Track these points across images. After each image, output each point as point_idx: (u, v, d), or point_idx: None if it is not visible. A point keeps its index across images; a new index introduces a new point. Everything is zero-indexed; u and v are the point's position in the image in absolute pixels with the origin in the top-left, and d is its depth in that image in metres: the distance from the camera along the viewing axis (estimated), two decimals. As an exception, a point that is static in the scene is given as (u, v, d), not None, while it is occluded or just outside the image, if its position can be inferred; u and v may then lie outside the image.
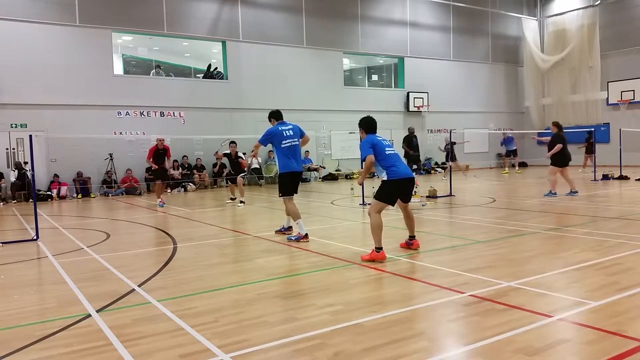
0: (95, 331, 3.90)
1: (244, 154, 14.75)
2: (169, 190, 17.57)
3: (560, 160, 12.31)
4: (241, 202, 12.96)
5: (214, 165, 19.59)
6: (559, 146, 12.16)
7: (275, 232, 8.19)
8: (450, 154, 17.49)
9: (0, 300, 4.91)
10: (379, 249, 6.00)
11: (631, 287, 4.55)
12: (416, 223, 6.76)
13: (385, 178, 6.22)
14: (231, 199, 13.63)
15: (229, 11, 20.11)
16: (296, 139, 7.64)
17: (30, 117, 16.56)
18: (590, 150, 20.13)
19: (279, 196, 7.72)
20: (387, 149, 6.39)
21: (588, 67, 25.93)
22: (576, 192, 12.44)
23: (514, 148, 22.54)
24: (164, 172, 13.65)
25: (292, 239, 7.51)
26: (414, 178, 6.49)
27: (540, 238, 7.21)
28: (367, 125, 6.58)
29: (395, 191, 6.24)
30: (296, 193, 7.79)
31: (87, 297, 4.81)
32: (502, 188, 15.82)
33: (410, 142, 16.28)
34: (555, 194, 12.21)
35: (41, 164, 16.33)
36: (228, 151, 13.79)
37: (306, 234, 7.49)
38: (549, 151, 12.49)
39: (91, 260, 6.70)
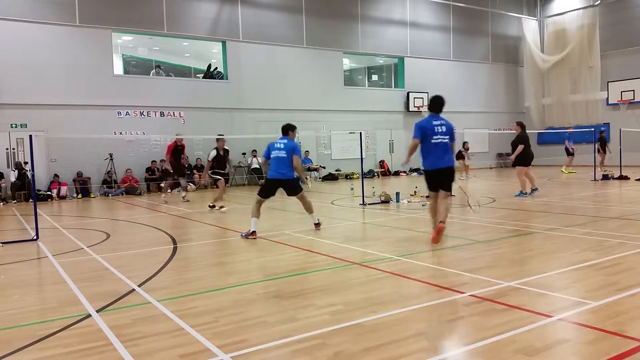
0: (95, 331, 3.90)
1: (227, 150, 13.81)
2: (169, 191, 17.56)
3: (524, 160, 12.42)
4: (220, 206, 11.90)
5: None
6: (520, 147, 12.29)
7: (314, 224, 8.49)
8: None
9: (1, 300, 4.91)
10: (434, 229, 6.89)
11: (631, 287, 4.55)
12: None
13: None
14: (210, 205, 12.12)
15: (229, 11, 20.12)
16: (283, 152, 8.07)
17: (30, 117, 16.56)
18: (601, 149, 20.01)
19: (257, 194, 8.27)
20: (434, 137, 6.96)
21: (588, 67, 25.94)
22: (536, 189, 12.48)
23: (566, 147, 21.10)
24: (182, 169, 14.12)
25: (242, 235, 7.98)
26: (444, 169, 7.05)
27: (540, 238, 7.20)
28: (430, 104, 7.30)
29: (429, 180, 7.19)
30: (271, 196, 8.28)
31: (87, 297, 4.81)
32: (502, 188, 15.81)
33: None
34: (526, 194, 12.29)
35: (41, 164, 16.34)
36: (214, 152, 12.15)
37: (254, 232, 7.86)
38: (512, 152, 12.66)
39: (91, 260, 6.70)
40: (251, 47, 20.61)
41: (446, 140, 7.03)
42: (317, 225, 8.47)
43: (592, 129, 19.94)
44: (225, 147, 12.33)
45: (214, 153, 12.06)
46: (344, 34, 22.97)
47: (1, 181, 16.02)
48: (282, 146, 8.12)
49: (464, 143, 19.97)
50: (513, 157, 12.52)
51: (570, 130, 21.50)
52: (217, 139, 12.30)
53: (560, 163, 21.85)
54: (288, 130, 8.37)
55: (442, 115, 7.19)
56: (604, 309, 4.02)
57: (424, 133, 7.00)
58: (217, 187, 12.22)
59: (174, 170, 14.10)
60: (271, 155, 8.15)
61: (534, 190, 12.44)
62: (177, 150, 13.76)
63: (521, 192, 12.35)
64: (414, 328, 3.75)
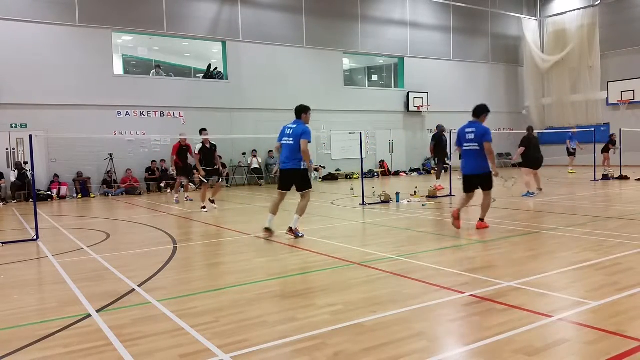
0: (95, 331, 3.90)
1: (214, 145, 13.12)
2: (168, 190, 17.60)
3: (530, 162, 12.60)
4: (202, 207, 11.82)
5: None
6: (520, 149, 12.64)
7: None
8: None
9: (0, 300, 4.91)
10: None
11: (631, 287, 4.55)
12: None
13: None
14: (210, 200, 12.22)
15: (229, 11, 20.11)
16: (291, 139, 7.54)
17: (30, 117, 16.56)
18: (605, 149, 19.95)
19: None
20: (465, 144, 7.62)
21: (588, 67, 25.93)
22: (537, 191, 12.68)
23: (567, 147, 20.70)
24: (188, 169, 13.95)
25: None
26: (469, 175, 7.71)
27: (540, 238, 7.21)
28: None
29: (463, 182, 7.95)
30: (288, 190, 7.78)
31: (87, 297, 4.81)
32: (502, 188, 15.79)
33: (440, 141, 15.20)
34: (533, 193, 12.40)
35: (41, 164, 16.33)
36: (200, 145, 12.02)
37: (266, 229, 7.75)
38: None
39: (91, 260, 6.70)
40: (251, 47, 20.60)
41: (474, 147, 7.60)
42: (292, 231, 7.61)
43: (593, 129, 19.93)
44: (213, 142, 12.19)
45: (199, 146, 11.93)
46: (344, 34, 22.96)
47: (1, 181, 16.02)
48: (290, 132, 7.54)
49: None
50: (514, 159, 12.73)
51: (575, 131, 21.27)
52: (202, 134, 12.22)
53: (561, 163, 21.76)
54: (301, 112, 7.66)
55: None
56: (604, 309, 4.02)
57: (458, 139, 7.94)
58: (211, 186, 12.14)
59: (177, 171, 13.95)
60: (281, 142, 7.67)
61: (534, 191, 12.51)
62: (182, 150, 13.74)
63: (528, 192, 12.42)
64: (414, 328, 3.75)
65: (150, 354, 3.42)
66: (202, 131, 12.40)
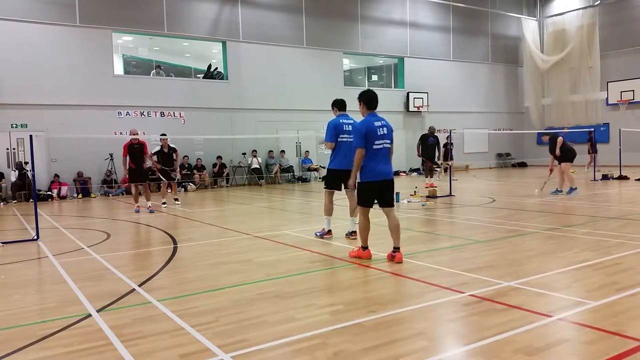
0: (96, 331, 3.90)
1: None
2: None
3: (567, 156, 12.67)
4: (163, 203, 12.80)
5: (214, 165, 19.62)
6: (558, 149, 12.68)
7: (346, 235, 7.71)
8: (450, 154, 17.28)
9: (1, 300, 4.91)
10: (364, 247, 6.09)
11: (631, 287, 4.55)
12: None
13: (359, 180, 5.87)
14: (163, 203, 12.90)
15: (229, 11, 20.12)
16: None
17: (31, 117, 16.56)
18: (590, 150, 19.99)
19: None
20: (376, 142, 5.71)
21: (588, 67, 25.94)
22: (558, 192, 12.80)
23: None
24: (141, 173, 11.95)
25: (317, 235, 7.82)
26: (391, 180, 5.95)
27: (540, 238, 7.21)
28: (368, 99, 5.85)
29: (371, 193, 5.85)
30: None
31: (87, 297, 4.81)
32: (502, 188, 15.82)
33: (424, 141, 15.54)
34: (575, 188, 12.55)
35: (42, 164, 16.33)
36: (159, 148, 13.05)
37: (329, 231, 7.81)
38: (550, 150, 12.98)
39: (91, 260, 6.70)
40: (251, 47, 20.60)
41: None
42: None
43: (592, 129, 19.94)
44: (171, 145, 13.25)
45: (157, 148, 13.07)
46: (344, 34, 22.96)
47: (2, 181, 16.01)
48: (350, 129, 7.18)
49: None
50: (557, 152, 12.77)
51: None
52: (160, 136, 13.30)
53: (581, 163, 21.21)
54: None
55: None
56: (604, 308, 4.03)
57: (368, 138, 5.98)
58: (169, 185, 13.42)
59: (130, 177, 12.03)
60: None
61: (560, 191, 12.76)
62: (132, 150, 11.57)
63: (571, 188, 12.53)
64: (414, 328, 3.76)
65: (151, 354, 3.42)
66: (162, 136, 13.28)
